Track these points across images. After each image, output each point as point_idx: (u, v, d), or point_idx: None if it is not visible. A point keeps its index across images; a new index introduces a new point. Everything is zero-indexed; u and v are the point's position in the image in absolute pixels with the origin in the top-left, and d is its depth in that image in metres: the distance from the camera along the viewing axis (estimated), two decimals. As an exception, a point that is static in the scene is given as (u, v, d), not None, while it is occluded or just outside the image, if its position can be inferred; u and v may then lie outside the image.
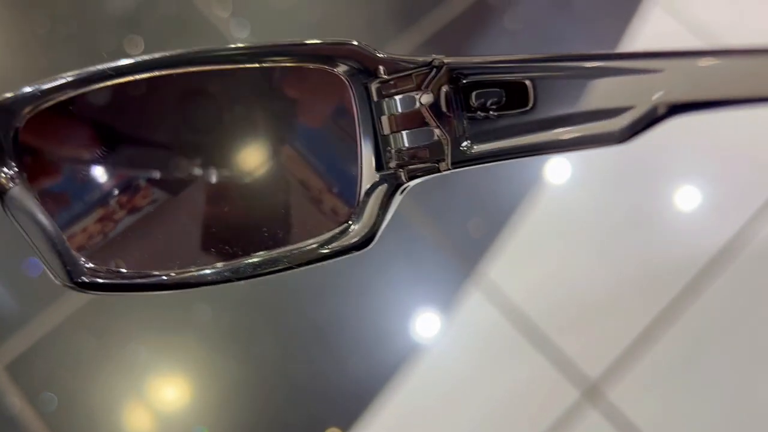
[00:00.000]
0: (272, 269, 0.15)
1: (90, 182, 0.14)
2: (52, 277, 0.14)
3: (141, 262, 0.15)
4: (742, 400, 0.71)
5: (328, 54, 0.14)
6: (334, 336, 0.72)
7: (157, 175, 0.15)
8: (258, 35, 0.82)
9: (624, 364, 0.71)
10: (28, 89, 0.14)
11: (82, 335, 0.71)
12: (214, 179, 0.15)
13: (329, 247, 0.15)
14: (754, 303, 0.74)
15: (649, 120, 0.14)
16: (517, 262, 0.75)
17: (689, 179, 0.78)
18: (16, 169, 0.14)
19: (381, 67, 0.15)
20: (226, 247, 0.15)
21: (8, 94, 0.14)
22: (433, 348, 0.71)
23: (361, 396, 0.70)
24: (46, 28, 0.83)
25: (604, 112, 0.14)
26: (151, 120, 0.15)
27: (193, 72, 0.14)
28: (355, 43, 0.14)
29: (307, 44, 0.15)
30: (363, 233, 0.15)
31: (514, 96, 0.14)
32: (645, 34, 0.83)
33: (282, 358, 0.71)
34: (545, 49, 0.84)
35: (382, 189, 0.15)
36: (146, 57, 0.14)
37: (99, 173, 0.14)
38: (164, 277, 0.14)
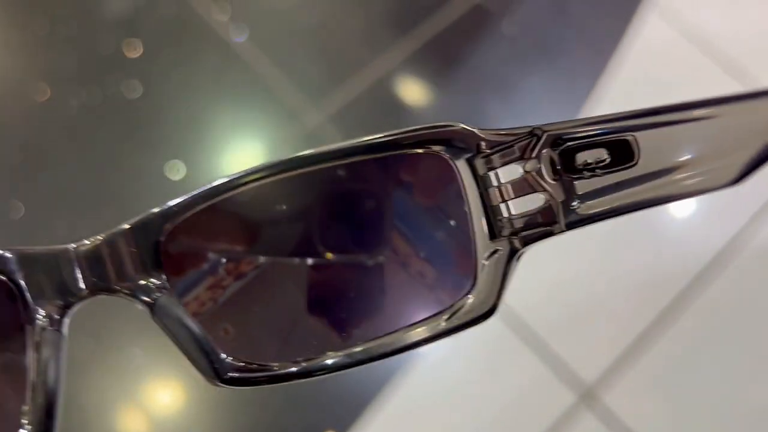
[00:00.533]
0: (402, 347, 0.16)
1: (227, 282, 0.16)
2: (203, 377, 0.15)
3: (274, 353, 0.16)
4: (737, 403, 0.72)
5: (433, 138, 0.15)
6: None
7: (285, 270, 0.16)
8: (257, 39, 0.82)
9: (620, 368, 0.71)
10: (169, 205, 0.15)
11: (79, 337, 0.71)
12: (338, 267, 0.16)
13: (451, 322, 0.15)
14: (750, 306, 0.75)
15: (762, 158, 0.14)
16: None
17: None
18: (162, 278, 0.15)
19: (483, 143, 0.15)
20: (354, 331, 0.16)
21: (154, 210, 0.15)
22: (430, 351, 0.71)
23: (358, 399, 0.70)
24: (46, 30, 0.84)
25: (713, 156, 0.14)
26: (277, 217, 0.16)
27: (309, 171, 0.15)
28: (459, 125, 0.15)
29: (413, 132, 0.15)
30: (486, 302, 0.16)
31: (618, 152, 0.14)
32: (642, 39, 0.83)
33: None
34: (545, 55, 0.84)
35: (498, 257, 0.15)
36: (274, 162, 0.15)
37: (234, 273, 0.16)
38: (294, 369, 0.16)
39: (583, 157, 0.15)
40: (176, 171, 0.76)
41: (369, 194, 0.16)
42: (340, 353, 0.16)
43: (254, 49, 0.82)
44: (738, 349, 0.73)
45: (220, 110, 0.80)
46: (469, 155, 0.15)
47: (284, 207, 0.16)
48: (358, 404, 0.70)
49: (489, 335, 0.72)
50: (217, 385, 0.16)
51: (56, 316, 0.15)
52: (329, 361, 0.16)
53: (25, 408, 0.15)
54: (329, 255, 0.16)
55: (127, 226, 0.15)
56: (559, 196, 0.15)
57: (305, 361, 0.16)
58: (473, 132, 0.15)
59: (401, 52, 0.83)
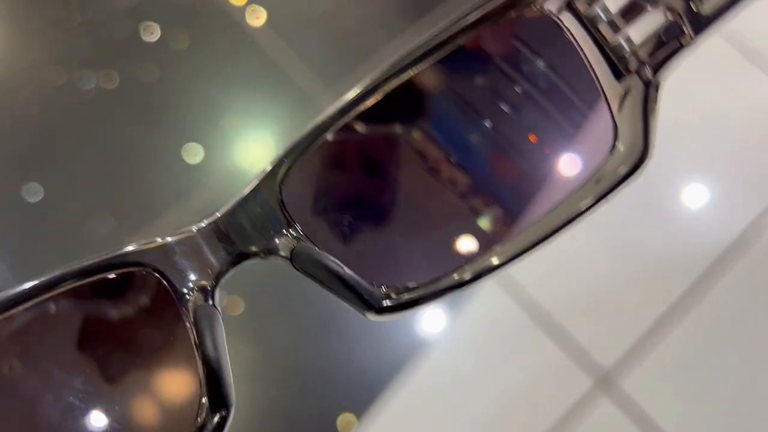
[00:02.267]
0: (565, 222, 0.14)
1: (356, 213, 0.15)
2: (360, 312, 0.15)
3: (423, 272, 0.15)
4: (755, 390, 0.71)
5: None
6: (346, 322, 0.72)
7: (414, 184, 0.15)
8: (272, 24, 0.82)
9: (637, 353, 0.71)
10: (278, 158, 0.15)
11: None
12: (471, 163, 0.15)
13: (601, 184, 0.14)
14: (767, 294, 0.75)
15: None
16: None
17: (702, 171, 0.78)
18: (291, 230, 0.15)
19: None
20: (506, 226, 0.15)
21: (265, 169, 0.14)
22: (446, 336, 0.71)
23: (373, 383, 0.70)
24: (62, 15, 0.84)
25: None
26: (394, 132, 0.15)
27: (419, 75, 0.14)
28: None
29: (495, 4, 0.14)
30: (635, 149, 0.14)
31: None
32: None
33: (294, 344, 0.72)
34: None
35: (633, 97, 0.14)
36: (376, 76, 0.14)
37: (360, 203, 0.15)
38: (456, 276, 0.15)
39: None
40: (193, 154, 0.77)
41: (489, 74, 0.14)
42: (499, 249, 0.15)
43: (270, 33, 0.82)
44: (755, 336, 0.73)
45: (236, 93, 0.80)
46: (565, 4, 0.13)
47: (399, 118, 0.14)
48: (374, 388, 0.70)
49: (505, 320, 0.72)
50: (375, 317, 0.15)
51: (205, 294, 0.15)
52: (494, 260, 0.15)
53: (200, 383, 0.14)
54: (455, 159, 0.15)
55: (244, 193, 0.15)
56: (677, 2, 0.13)
57: (458, 270, 0.15)
58: None
59: (415, 36, 0.83)
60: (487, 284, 0.73)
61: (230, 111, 0.79)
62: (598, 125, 0.13)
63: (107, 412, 0.14)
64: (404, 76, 0.14)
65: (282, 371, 0.71)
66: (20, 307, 0.14)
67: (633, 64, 0.13)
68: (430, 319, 0.72)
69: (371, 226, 0.15)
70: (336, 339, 0.72)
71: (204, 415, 0.14)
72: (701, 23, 0.13)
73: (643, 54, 0.13)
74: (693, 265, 0.74)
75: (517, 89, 0.14)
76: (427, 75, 0.14)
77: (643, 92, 0.14)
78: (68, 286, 0.15)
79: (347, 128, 0.14)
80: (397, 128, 0.15)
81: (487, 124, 0.14)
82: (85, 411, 0.14)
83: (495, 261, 0.15)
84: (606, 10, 0.13)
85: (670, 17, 0.13)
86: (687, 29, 0.13)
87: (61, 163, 0.78)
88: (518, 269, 0.73)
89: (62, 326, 0.15)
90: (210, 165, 0.76)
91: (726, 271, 0.74)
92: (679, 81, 0.78)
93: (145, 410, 0.15)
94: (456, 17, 0.14)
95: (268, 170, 0.15)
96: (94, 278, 0.15)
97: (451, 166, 0.15)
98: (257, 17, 0.83)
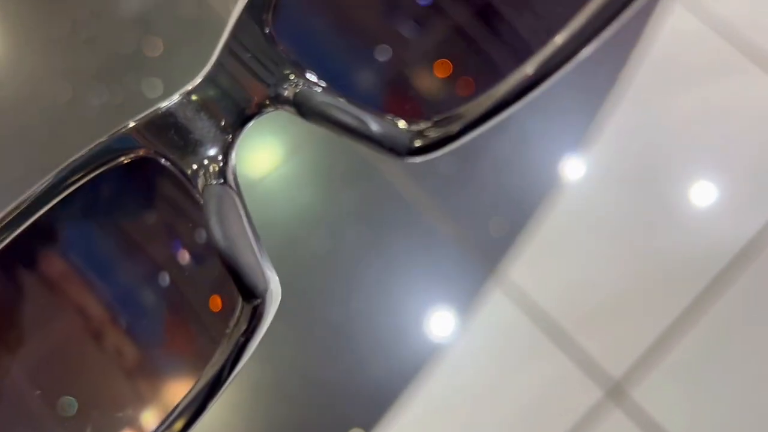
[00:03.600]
0: (594, 32, 0.11)
1: (363, 41, 0.12)
2: (393, 157, 0.12)
3: (451, 101, 0.12)
4: (765, 399, 0.71)
5: None
6: (353, 336, 0.72)
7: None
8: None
9: (647, 363, 0.71)
10: None
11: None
12: None
13: None
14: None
15: None
16: (538, 261, 0.75)
17: (711, 177, 0.78)
18: (294, 75, 0.12)
19: None
20: (525, 39, 0.12)
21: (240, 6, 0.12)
22: (454, 347, 0.71)
23: (382, 396, 0.70)
24: (67, 31, 0.84)
25: None
26: None
27: None
28: None
29: None
30: None
31: None
32: (666, 30, 0.83)
33: (302, 358, 0.72)
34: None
35: None
36: None
37: (365, 33, 0.13)
38: (492, 103, 0.12)
39: None
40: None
41: None
42: (528, 63, 0.12)
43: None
44: (766, 344, 0.73)
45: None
46: None
47: None
48: (383, 401, 0.70)
49: (514, 331, 0.72)
50: (410, 160, 0.12)
51: (216, 169, 0.12)
52: (529, 70, 0.12)
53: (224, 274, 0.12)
54: None
55: (225, 39, 0.12)
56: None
57: (495, 90, 0.12)
58: None
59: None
60: (495, 294, 0.72)
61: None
62: None
63: (140, 318, 0.13)
64: None
65: (289, 387, 0.71)
66: (35, 216, 0.13)
67: None
68: (437, 332, 0.72)
69: (384, 50, 0.13)
70: (343, 353, 0.72)
71: (238, 309, 0.12)
72: None
73: None
74: (703, 271, 0.74)
75: None
76: None
77: None
78: (63, 192, 0.13)
79: None
80: None
81: None
82: (115, 316, 0.13)
83: (529, 70, 0.12)
84: None
85: None
86: None
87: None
88: (526, 279, 0.73)
89: (65, 238, 0.13)
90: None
91: (737, 277, 0.73)
92: (684, 83, 0.78)
93: (176, 317, 0.13)
94: None
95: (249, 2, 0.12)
96: (90, 175, 0.13)
97: None
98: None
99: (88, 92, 0.81)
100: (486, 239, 0.75)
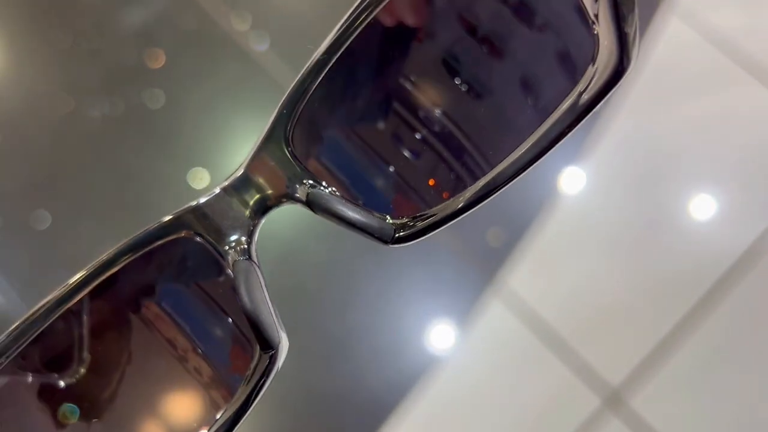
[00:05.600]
0: (550, 142, 0.14)
1: (363, 156, 0.16)
2: (379, 242, 0.16)
3: (429, 201, 0.16)
4: (765, 407, 0.71)
5: None
6: (352, 346, 0.72)
7: (409, 125, 0.16)
8: (278, 48, 0.83)
9: (645, 371, 0.71)
10: (280, 113, 0.16)
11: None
12: (455, 98, 0.15)
13: (593, 86, 0.14)
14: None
15: None
16: (537, 271, 0.75)
17: (707, 187, 0.78)
18: (308, 178, 0.16)
19: None
20: (495, 150, 0.15)
21: (269, 125, 0.16)
22: (453, 357, 0.72)
23: (380, 406, 0.70)
24: (68, 43, 0.85)
25: None
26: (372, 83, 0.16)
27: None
28: None
29: None
30: (612, 54, 0.13)
31: None
32: (662, 42, 0.83)
33: (302, 370, 0.72)
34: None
35: (605, 5, 0.13)
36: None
37: (365, 147, 0.16)
38: (461, 204, 0.16)
39: None
40: (199, 179, 0.77)
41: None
42: (493, 172, 0.15)
43: (274, 58, 0.83)
44: (765, 352, 0.73)
45: (242, 118, 0.81)
46: None
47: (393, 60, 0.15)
48: (381, 411, 0.70)
49: (512, 340, 0.72)
50: (392, 246, 0.16)
51: (243, 247, 0.16)
52: (485, 182, 0.15)
53: (243, 325, 0.16)
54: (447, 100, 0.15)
55: (255, 147, 0.16)
56: None
57: (461, 196, 0.16)
58: None
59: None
60: (494, 304, 0.73)
61: (235, 135, 0.80)
62: (583, 41, 0.13)
63: (174, 365, 0.16)
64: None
65: (289, 396, 0.71)
66: (89, 287, 0.16)
67: None
68: (436, 342, 0.72)
69: (379, 164, 0.16)
70: (341, 364, 0.72)
71: (256, 357, 0.16)
72: None
73: None
74: (700, 281, 0.75)
75: (493, 7, 0.15)
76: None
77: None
78: (123, 263, 0.17)
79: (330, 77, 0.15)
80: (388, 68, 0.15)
81: (484, 64, 0.15)
82: (155, 363, 0.16)
83: (488, 180, 0.15)
84: None
85: None
86: None
87: (68, 190, 0.78)
88: (524, 289, 0.73)
89: (123, 298, 0.17)
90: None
91: (734, 287, 0.74)
92: (680, 94, 0.79)
93: (207, 360, 0.17)
94: None
95: (275, 121, 0.16)
96: (145, 250, 0.17)
97: (435, 107, 0.15)
98: (260, 42, 0.83)
99: (90, 104, 0.81)
100: (485, 249, 0.75)
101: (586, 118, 0.14)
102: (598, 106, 0.14)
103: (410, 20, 0.15)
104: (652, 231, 0.76)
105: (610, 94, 0.14)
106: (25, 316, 0.16)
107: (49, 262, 0.75)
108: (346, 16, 0.16)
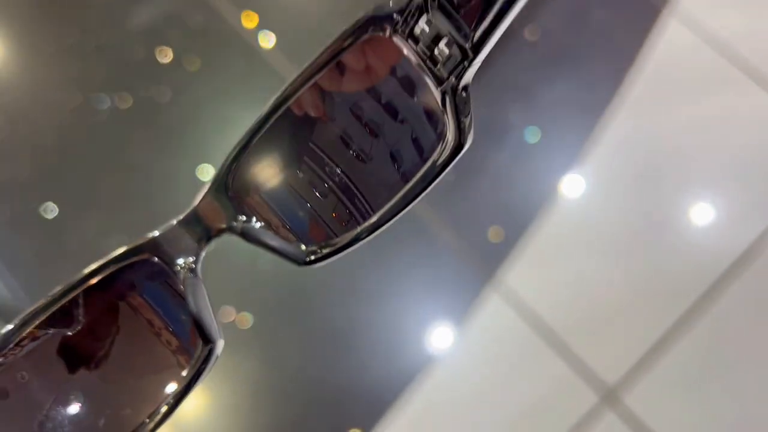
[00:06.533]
0: (409, 200, 0.21)
1: (284, 201, 0.22)
2: (294, 264, 0.21)
3: (331, 234, 0.22)
4: (756, 406, 0.72)
5: (364, 25, 0.20)
6: (354, 339, 0.73)
7: (317, 178, 0.22)
8: (284, 46, 0.84)
9: (641, 369, 0.72)
10: (224, 164, 0.22)
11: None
12: (347, 164, 0.22)
13: (442, 158, 0.20)
14: (770, 311, 0.75)
15: None
16: (536, 270, 0.76)
17: (705, 189, 0.79)
18: (240, 215, 0.22)
19: (394, 15, 0.19)
20: (375, 198, 0.21)
21: (218, 172, 0.22)
22: (454, 351, 0.72)
23: (381, 399, 0.71)
24: (77, 38, 0.86)
25: None
26: (302, 142, 0.22)
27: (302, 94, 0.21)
28: (371, 13, 0.20)
29: (342, 36, 0.20)
30: (456, 136, 0.19)
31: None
32: (663, 45, 0.84)
33: (303, 360, 0.73)
34: (566, 61, 0.85)
35: (449, 98, 0.19)
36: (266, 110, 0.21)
37: (284, 195, 0.22)
38: (351, 236, 0.21)
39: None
40: (206, 174, 0.78)
41: (348, 94, 0.21)
42: (373, 217, 0.21)
43: (281, 56, 0.84)
44: (757, 353, 0.74)
45: (249, 115, 0.82)
46: (393, 27, 0.19)
47: (304, 133, 0.22)
48: (382, 403, 0.71)
49: (511, 336, 0.73)
50: (305, 267, 0.22)
51: (191, 267, 0.22)
52: (367, 225, 0.21)
53: (188, 333, 0.22)
54: (342, 160, 0.21)
55: (203, 191, 0.22)
56: (457, 32, 0.19)
57: (354, 230, 0.22)
58: (384, 14, 0.19)
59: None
60: (494, 300, 0.74)
61: (243, 130, 0.81)
62: (434, 120, 0.20)
63: (141, 352, 0.22)
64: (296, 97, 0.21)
65: (290, 388, 0.72)
66: (68, 297, 0.21)
67: (445, 76, 0.19)
68: (437, 337, 0.73)
69: (296, 206, 0.22)
70: (343, 356, 0.73)
71: (199, 348, 0.21)
72: (477, 45, 0.19)
73: (448, 68, 0.19)
74: (695, 282, 0.75)
75: (373, 100, 0.21)
76: (307, 97, 0.21)
77: (452, 93, 0.19)
78: (94, 280, 0.21)
79: (272, 131, 0.22)
80: (305, 140, 0.22)
81: (365, 139, 0.21)
82: (120, 356, 0.22)
83: (374, 221, 0.21)
84: (420, 36, 0.19)
85: (457, 40, 0.19)
86: (468, 51, 0.19)
87: (75, 183, 0.79)
88: (523, 287, 0.74)
89: (94, 308, 0.22)
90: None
91: (727, 289, 0.75)
92: (679, 97, 0.79)
93: (159, 352, 0.22)
94: (336, 37, 0.20)
95: (218, 173, 0.21)
96: (114, 268, 0.21)
97: (337, 167, 0.22)
98: (268, 40, 0.84)
99: (97, 98, 0.82)
100: (485, 248, 0.76)
101: (438, 179, 0.20)
102: (447, 170, 0.20)
103: (314, 111, 0.21)
104: (650, 231, 0.77)
105: (453, 163, 0.20)
106: (16, 322, 0.21)
107: (54, 253, 0.76)
108: (267, 107, 0.21)
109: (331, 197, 0.22)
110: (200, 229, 0.22)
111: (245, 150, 0.22)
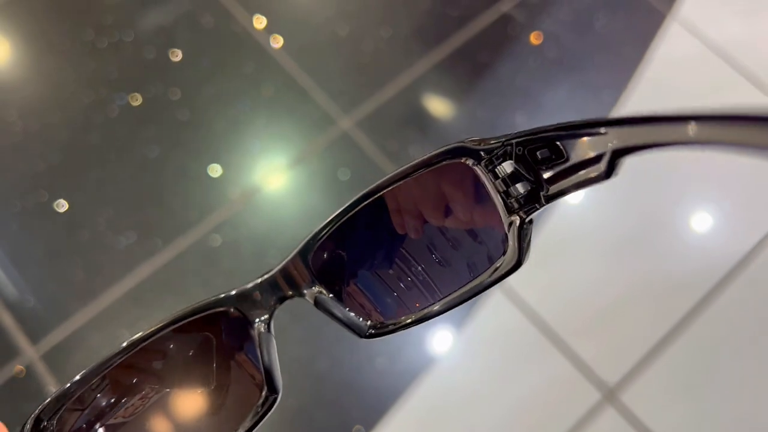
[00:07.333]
0: (466, 298, 0.24)
1: (359, 277, 0.25)
2: (356, 336, 0.25)
3: (393, 314, 0.25)
4: (751, 407, 0.72)
5: (450, 153, 0.23)
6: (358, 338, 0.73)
7: (388, 263, 0.25)
8: (291, 47, 0.85)
9: (641, 369, 0.72)
10: (306, 241, 0.24)
11: (116, 327, 0.73)
12: (420, 254, 0.25)
13: (495, 274, 0.23)
14: (766, 313, 0.76)
15: (612, 161, 0.21)
16: (537, 272, 0.76)
17: (704, 197, 0.79)
18: (317, 284, 0.25)
19: (482, 152, 0.22)
20: (437, 292, 0.24)
21: (301, 246, 0.25)
22: (458, 349, 0.73)
23: (385, 394, 0.72)
24: (91, 38, 0.87)
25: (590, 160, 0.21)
26: (372, 230, 0.25)
27: (381, 196, 0.24)
28: (463, 144, 0.23)
29: (434, 155, 0.23)
30: (514, 258, 0.23)
31: (556, 152, 0.21)
32: (666, 51, 0.85)
33: (308, 357, 0.73)
34: (570, 67, 0.86)
35: (515, 227, 0.22)
36: (356, 198, 0.24)
37: (359, 272, 0.25)
38: (409, 320, 0.24)
39: (540, 155, 0.21)
40: (215, 171, 0.79)
41: (428, 201, 0.24)
42: (434, 305, 0.24)
43: (288, 57, 0.85)
44: (754, 355, 0.74)
45: (257, 115, 0.83)
46: (477, 161, 0.23)
47: (374, 223, 0.25)
48: (386, 399, 0.71)
49: (515, 336, 0.74)
50: (365, 338, 0.25)
51: (266, 323, 0.25)
52: (427, 311, 0.24)
53: (258, 378, 0.25)
54: (411, 248, 0.25)
55: (288, 259, 0.25)
56: (536, 183, 0.22)
57: (412, 315, 0.25)
58: (474, 147, 0.22)
59: (429, 63, 0.85)
60: (497, 298, 0.74)
61: (250, 129, 0.82)
62: (498, 240, 0.23)
63: (206, 394, 0.25)
64: (378, 195, 0.24)
65: (295, 384, 0.73)
66: (152, 339, 0.25)
67: (515, 208, 0.22)
68: (441, 334, 0.74)
69: (368, 286, 0.25)
70: (349, 353, 0.73)
71: (263, 395, 0.25)
72: (549, 198, 0.22)
73: (519, 203, 0.22)
74: (693, 287, 0.76)
75: (451, 204, 0.24)
76: (390, 195, 0.24)
77: (519, 225, 0.22)
78: (182, 323, 0.25)
79: (347, 226, 0.24)
80: (378, 227, 0.25)
81: (436, 239, 0.25)
82: (196, 397, 0.25)
83: (435, 309, 0.24)
84: (501, 171, 0.22)
85: (534, 187, 0.22)
86: (541, 199, 0.22)
87: (86, 179, 0.80)
88: (523, 287, 0.75)
89: (177, 352, 0.25)
90: (229, 180, 0.78)
91: (725, 291, 0.75)
92: (681, 103, 0.80)
93: (229, 395, 0.25)
94: (428, 155, 0.23)
95: (302, 246, 0.24)
96: (196, 317, 0.25)
97: (409, 259, 0.25)
98: (277, 42, 0.85)
99: (110, 96, 0.83)
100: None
101: (494, 286, 0.23)
102: (504, 280, 0.23)
103: (399, 210, 0.24)
104: (650, 235, 0.78)
105: (510, 275, 0.23)
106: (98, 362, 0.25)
107: (64, 248, 0.76)
108: (359, 194, 0.24)
109: (401, 285, 0.25)
110: (279, 291, 0.25)
111: (331, 228, 0.24)
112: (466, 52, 0.86)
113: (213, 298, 0.24)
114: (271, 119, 0.83)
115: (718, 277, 0.76)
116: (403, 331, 0.24)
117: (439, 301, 0.24)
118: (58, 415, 0.24)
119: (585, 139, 0.20)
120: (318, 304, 0.25)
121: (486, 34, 0.87)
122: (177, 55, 0.85)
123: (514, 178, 0.22)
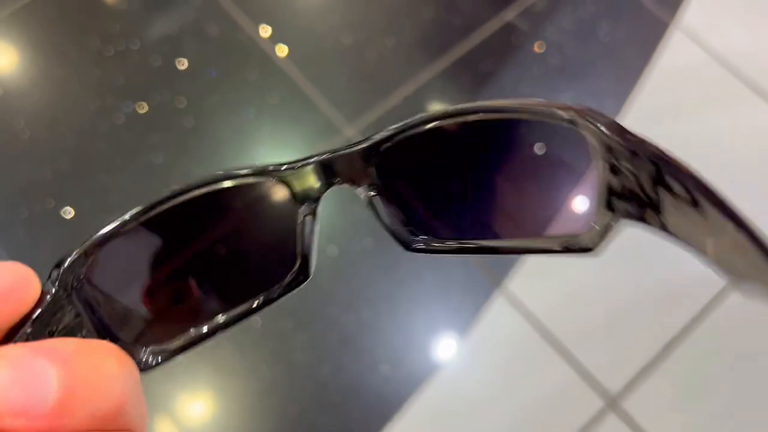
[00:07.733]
0: (531, 250, 0.21)
1: (419, 188, 0.22)
2: (401, 247, 0.22)
3: (449, 234, 0.22)
4: (751, 415, 0.72)
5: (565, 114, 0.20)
6: (363, 342, 0.73)
7: (464, 181, 0.22)
8: (296, 56, 0.86)
9: (644, 377, 0.72)
10: (384, 133, 0.21)
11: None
12: (502, 183, 0.22)
13: (569, 244, 0.20)
14: (767, 320, 0.76)
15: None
16: (539, 278, 0.77)
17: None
18: (377, 181, 0.22)
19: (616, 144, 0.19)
20: (511, 228, 0.22)
21: (373, 137, 0.21)
22: (461, 355, 0.73)
23: (389, 401, 0.72)
24: (97, 46, 0.88)
25: None
26: (459, 150, 0.22)
27: (469, 122, 0.21)
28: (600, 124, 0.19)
29: (551, 105, 0.20)
30: (591, 243, 0.20)
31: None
32: (669, 60, 0.85)
33: (312, 363, 0.73)
34: (573, 75, 0.87)
35: (609, 218, 0.20)
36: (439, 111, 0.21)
37: (421, 186, 0.22)
38: (469, 245, 0.22)
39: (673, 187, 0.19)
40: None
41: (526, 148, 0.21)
42: (504, 241, 0.22)
43: (293, 66, 0.86)
44: (755, 363, 0.74)
45: (262, 122, 0.83)
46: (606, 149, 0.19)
47: (462, 143, 0.22)
48: (390, 406, 0.71)
49: (520, 340, 0.74)
50: (409, 251, 0.22)
51: (312, 206, 0.22)
52: (495, 244, 0.22)
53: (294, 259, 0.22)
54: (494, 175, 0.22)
55: (355, 148, 0.21)
56: (653, 204, 0.19)
57: (472, 240, 0.22)
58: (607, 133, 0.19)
59: (433, 71, 0.86)
60: (500, 303, 0.74)
61: (255, 136, 0.82)
62: (586, 217, 0.20)
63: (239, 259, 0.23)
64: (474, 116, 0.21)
65: (298, 390, 0.73)
66: (196, 192, 0.22)
67: (616, 206, 0.20)
68: (445, 341, 0.74)
69: (428, 198, 0.22)
70: (352, 359, 0.74)
71: (295, 271, 0.22)
72: (665, 228, 0.19)
73: (624, 206, 0.19)
74: (698, 294, 0.76)
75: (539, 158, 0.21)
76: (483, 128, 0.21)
77: (611, 220, 0.20)
78: (220, 186, 0.22)
79: (430, 136, 0.21)
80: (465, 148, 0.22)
81: (525, 182, 0.22)
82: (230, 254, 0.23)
83: (492, 245, 0.22)
84: (625, 169, 0.19)
85: (648, 206, 0.19)
86: (655, 220, 0.19)
87: (92, 186, 0.81)
88: (531, 297, 0.75)
89: (217, 213, 0.22)
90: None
91: (725, 299, 0.75)
92: (685, 111, 0.79)
93: (260, 261, 0.23)
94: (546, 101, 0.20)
95: (375, 140, 0.21)
96: (237, 182, 0.22)
97: (489, 182, 0.22)
98: (282, 50, 0.86)
99: (115, 103, 0.84)
100: (492, 257, 0.77)
101: (569, 253, 0.20)
102: (567, 255, 0.20)
103: (480, 142, 0.22)
104: (652, 243, 0.78)
105: (585, 254, 0.20)
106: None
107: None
108: (440, 110, 0.21)
109: (462, 206, 0.22)
110: (333, 174, 0.22)
111: (410, 131, 0.21)
112: (469, 60, 0.86)
113: (258, 166, 0.22)
114: (275, 127, 0.83)
115: (719, 286, 0.76)
116: (450, 256, 0.22)
117: (497, 240, 0.21)
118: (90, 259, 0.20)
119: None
120: (371, 206, 0.22)
121: (489, 43, 0.87)
122: (183, 64, 0.86)
123: (633, 177, 0.19)
